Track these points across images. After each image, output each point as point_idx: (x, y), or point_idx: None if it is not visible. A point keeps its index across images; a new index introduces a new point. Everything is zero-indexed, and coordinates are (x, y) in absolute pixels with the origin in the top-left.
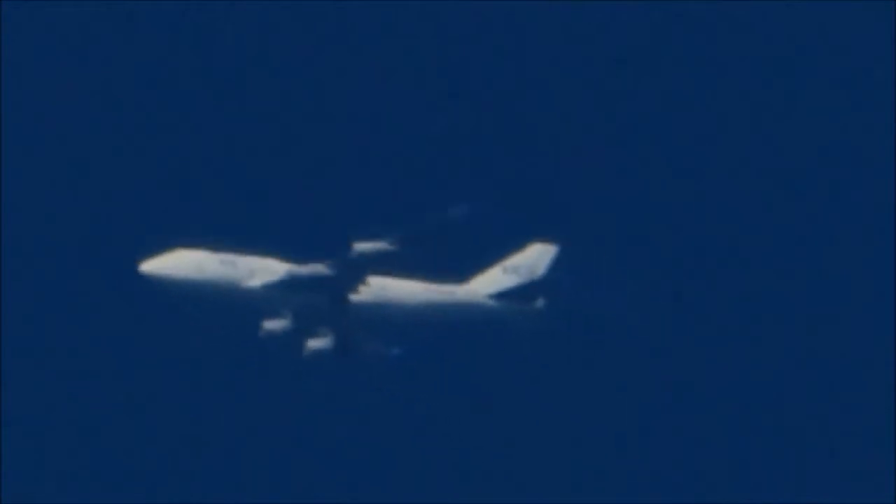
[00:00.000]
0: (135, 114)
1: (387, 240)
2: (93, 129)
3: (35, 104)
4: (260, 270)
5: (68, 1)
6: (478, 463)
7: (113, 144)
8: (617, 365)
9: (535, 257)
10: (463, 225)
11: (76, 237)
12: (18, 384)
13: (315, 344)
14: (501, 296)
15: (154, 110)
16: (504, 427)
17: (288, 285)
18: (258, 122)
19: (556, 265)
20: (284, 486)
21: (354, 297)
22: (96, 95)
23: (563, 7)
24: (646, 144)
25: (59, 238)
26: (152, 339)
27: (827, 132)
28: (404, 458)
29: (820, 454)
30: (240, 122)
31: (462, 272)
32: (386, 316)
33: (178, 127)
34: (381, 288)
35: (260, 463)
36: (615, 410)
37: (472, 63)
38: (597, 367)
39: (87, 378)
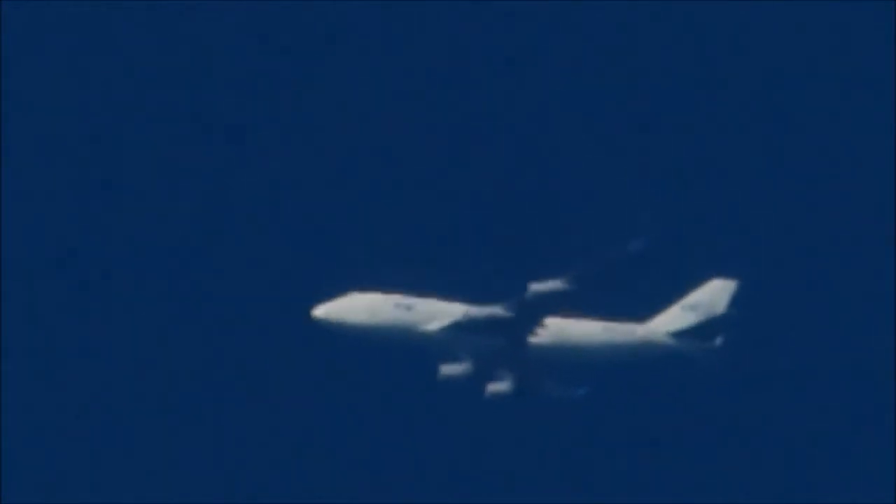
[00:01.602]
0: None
1: (563, 279)
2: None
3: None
4: (435, 313)
5: (68, 1)
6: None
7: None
8: (792, 401)
9: (714, 293)
10: (639, 261)
11: (246, 279)
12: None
13: (495, 387)
14: (681, 334)
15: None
16: (689, 465)
17: (465, 328)
18: (429, 160)
19: (736, 301)
20: None
21: (533, 339)
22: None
23: None
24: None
25: (230, 279)
26: (328, 386)
27: (827, 132)
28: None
29: (820, 454)
30: (411, 160)
31: (640, 310)
32: (565, 357)
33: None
34: (559, 329)
35: None
36: (792, 445)
37: (648, 87)
38: (774, 403)
39: (254, 427)
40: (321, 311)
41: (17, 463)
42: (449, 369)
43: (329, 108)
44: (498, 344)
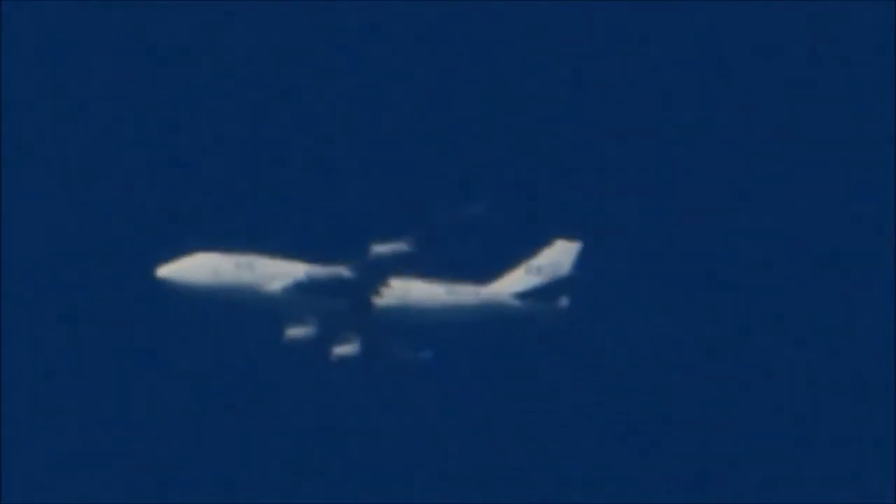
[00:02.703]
0: (144, 113)
1: (404, 240)
2: (102, 129)
3: (36, 103)
4: (278, 274)
5: (68, 1)
6: (503, 465)
7: (121, 145)
8: (637, 364)
9: (558, 255)
10: (484, 224)
11: (89, 241)
12: (26, 387)
13: (342, 350)
14: (526, 295)
15: (164, 110)
16: (528, 428)
17: (308, 289)
18: (270, 122)
19: (580, 263)
20: (314, 494)
21: (377, 301)
22: (100, 94)
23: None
24: (665, 140)
25: (72, 243)
26: (171, 345)
27: (827, 133)
28: (435, 462)
29: (820, 454)
30: (251, 122)
31: (486, 273)
32: (410, 318)
33: (187, 126)
34: (403, 290)
35: (290, 472)
36: (635, 410)
37: (488, 58)
38: (618, 366)
39: (100, 384)
40: (165, 270)
41: (17, 463)
42: (294, 331)
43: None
44: (342, 305)
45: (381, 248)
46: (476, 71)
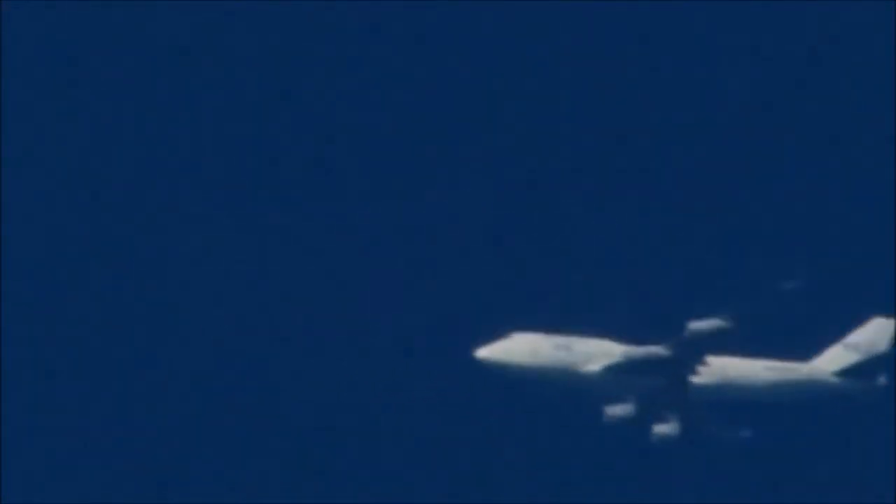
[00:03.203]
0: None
1: (721, 317)
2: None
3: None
4: (595, 354)
5: (68, 1)
6: None
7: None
8: None
9: (875, 333)
10: (799, 299)
11: (406, 322)
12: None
13: (662, 429)
14: (844, 373)
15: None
16: None
17: (625, 368)
18: (580, 201)
19: None
20: None
21: (694, 379)
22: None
23: None
24: None
25: (399, 324)
26: (494, 426)
27: (827, 133)
28: None
29: (820, 454)
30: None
31: (797, 350)
32: (728, 396)
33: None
34: (721, 368)
35: None
36: None
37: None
38: None
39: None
40: (485, 351)
41: (17, 463)
42: (614, 410)
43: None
44: (659, 384)
45: (697, 325)
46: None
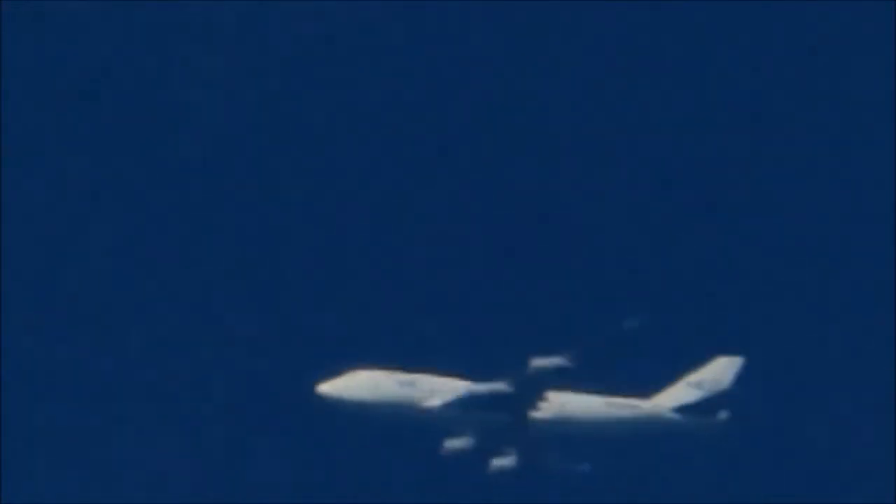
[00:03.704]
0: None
1: (564, 355)
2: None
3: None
4: (438, 390)
5: (68, 1)
6: None
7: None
8: (800, 477)
9: (719, 370)
10: (643, 338)
11: (249, 357)
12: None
13: (500, 462)
14: (685, 409)
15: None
16: None
17: (467, 404)
18: (428, 239)
19: (742, 378)
20: None
21: (535, 414)
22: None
23: None
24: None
25: (234, 360)
26: (332, 461)
27: (827, 133)
28: None
29: (820, 454)
30: (404, 238)
31: (645, 387)
32: (567, 431)
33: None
34: (561, 404)
35: None
36: None
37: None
38: (781, 479)
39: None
40: (326, 387)
41: (17, 463)
42: (453, 444)
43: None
44: (500, 419)
45: (539, 363)
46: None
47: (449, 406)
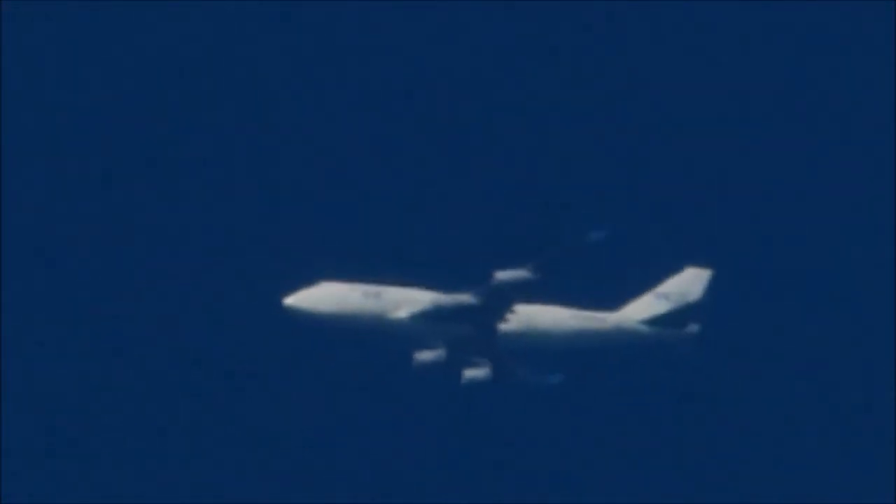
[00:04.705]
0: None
1: (527, 267)
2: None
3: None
4: (404, 302)
5: (68, 1)
6: (633, 490)
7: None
8: (771, 389)
9: (688, 282)
10: (612, 249)
11: (218, 271)
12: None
13: (472, 374)
14: (654, 322)
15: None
16: (660, 453)
17: (433, 316)
18: (394, 152)
19: (711, 289)
20: None
21: (502, 327)
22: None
23: None
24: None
25: (201, 270)
26: (301, 374)
27: (828, 133)
28: (566, 486)
29: (820, 454)
30: (377, 149)
31: (616, 298)
32: (535, 344)
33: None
34: (528, 316)
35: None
36: (768, 434)
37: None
38: (752, 392)
39: (226, 413)
40: (292, 299)
41: (17, 463)
42: (423, 356)
43: (305, 105)
44: (467, 331)
45: (503, 275)
46: (583, 88)
47: (415, 318)
